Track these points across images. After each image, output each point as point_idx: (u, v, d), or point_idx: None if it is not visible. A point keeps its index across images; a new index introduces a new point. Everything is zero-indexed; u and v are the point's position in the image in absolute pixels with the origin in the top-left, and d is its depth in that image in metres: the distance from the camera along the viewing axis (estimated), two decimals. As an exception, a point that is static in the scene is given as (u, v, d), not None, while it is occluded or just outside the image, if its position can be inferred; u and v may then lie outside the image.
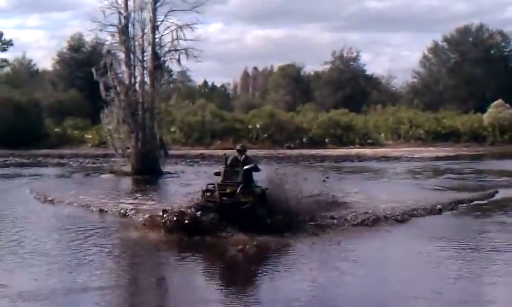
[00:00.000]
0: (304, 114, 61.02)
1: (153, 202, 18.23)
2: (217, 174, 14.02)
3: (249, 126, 55.26)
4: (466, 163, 36.84)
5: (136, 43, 30.09)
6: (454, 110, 63.32)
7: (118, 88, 29.37)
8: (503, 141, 55.76)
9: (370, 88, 78.35)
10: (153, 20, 29.91)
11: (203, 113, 55.65)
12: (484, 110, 58.50)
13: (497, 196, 20.54)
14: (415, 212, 16.29)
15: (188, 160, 39.00)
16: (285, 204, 13.96)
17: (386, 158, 41.12)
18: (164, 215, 13.44)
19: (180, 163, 34.26)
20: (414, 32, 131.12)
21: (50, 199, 19.48)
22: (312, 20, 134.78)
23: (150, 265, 11.51)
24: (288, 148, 51.50)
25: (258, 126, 54.85)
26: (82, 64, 62.11)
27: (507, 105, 57.98)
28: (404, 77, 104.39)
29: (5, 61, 76.11)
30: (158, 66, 30.34)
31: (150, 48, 29.97)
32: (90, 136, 53.16)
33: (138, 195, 20.83)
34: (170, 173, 29.57)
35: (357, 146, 53.37)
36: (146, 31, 30.02)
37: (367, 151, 48.51)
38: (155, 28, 29.95)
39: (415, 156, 42.78)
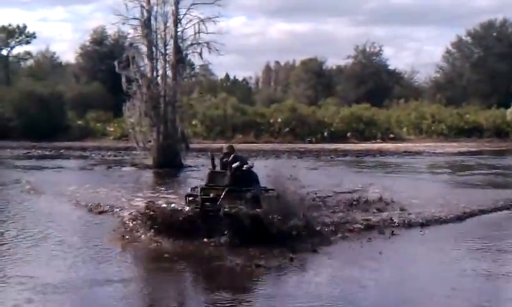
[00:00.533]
0: (326, 108, 60.64)
1: (174, 196, 18.11)
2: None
3: (271, 121, 55.01)
4: (492, 158, 36.39)
5: (158, 36, 30.24)
6: (477, 106, 62.52)
7: (140, 81, 29.51)
8: (526, 137, 54.90)
9: (393, 83, 77.73)
10: (176, 14, 29.99)
11: (225, 107, 55.50)
12: (508, 106, 57.73)
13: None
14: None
15: (209, 154, 38.63)
16: (299, 208, 12.60)
17: (407, 153, 40.74)
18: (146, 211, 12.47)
19: (201, 156, 34.28)
20: (437, 26, 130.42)
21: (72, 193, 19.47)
22: (336, 15, 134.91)
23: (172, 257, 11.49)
24: (310, 142, 51.37)
25: (279, 120, 54.60)
26: (104, 57, 62.53)
27: (531, 100, 57.17)
28: (427, 72, 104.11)
29: (28, 53, 77.39)
30: (180, 60, 30.40)
31: (172, 42, 30.07)
32: (112, 129, 53.54)
33: (162, 188, 20.92)
34: (191, 166, 29.62)
35: (378, 140, 52.97)
36: (168, 24, 30.17)
37: (389, 145, 48.15)
38: (177, 21, 30.04)
39: (436, 151, 42.36)
